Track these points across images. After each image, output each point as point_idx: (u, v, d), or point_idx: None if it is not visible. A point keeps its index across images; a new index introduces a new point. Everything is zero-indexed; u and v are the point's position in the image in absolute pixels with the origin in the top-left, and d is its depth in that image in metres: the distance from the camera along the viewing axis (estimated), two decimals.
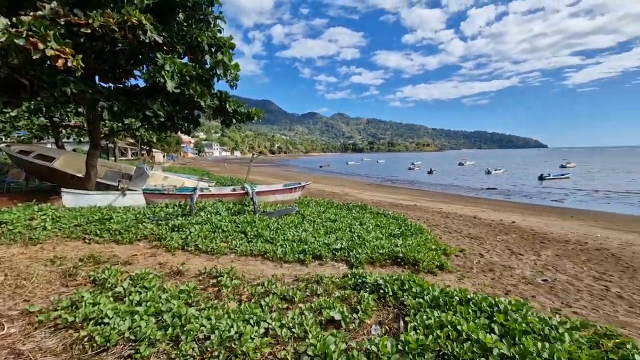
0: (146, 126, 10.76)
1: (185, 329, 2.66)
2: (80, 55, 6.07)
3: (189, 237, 5.52)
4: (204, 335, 2.61)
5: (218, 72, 8.78)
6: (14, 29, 5.38)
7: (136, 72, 9.74)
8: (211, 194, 8.86)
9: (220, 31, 9.50)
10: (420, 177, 43.43)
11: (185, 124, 10.85)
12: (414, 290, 3.53)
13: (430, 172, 50.35)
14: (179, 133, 12.99)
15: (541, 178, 37.04)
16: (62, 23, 6.02)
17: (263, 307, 3.22)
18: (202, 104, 8.71)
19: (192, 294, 3.42)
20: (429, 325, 2.76)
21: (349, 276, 4.03)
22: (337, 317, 2.98)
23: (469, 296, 3.37)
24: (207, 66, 9.41)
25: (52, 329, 2.73)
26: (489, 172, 47.61)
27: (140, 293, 3.34)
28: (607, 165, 63.49)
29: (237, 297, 3.53)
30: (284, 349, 2.51)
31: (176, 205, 7.78)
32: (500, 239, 7.84)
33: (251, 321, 2.86)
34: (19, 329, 2.72)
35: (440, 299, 3.31)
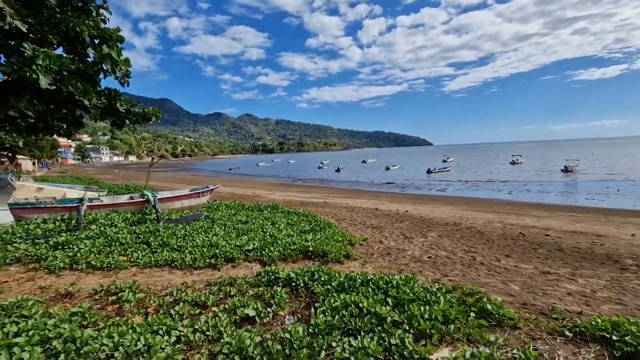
0: (7, 128, 8.91)
1: (82, 351, 2.43)
2: None
3: (78, 254, 4.87)
4: (106, 354, 2.43)
5: (105, 68, 7.79)
6: None
7: None
8: (103, 205, 7.85)
9: (105, 21, 8.44)
10: (329, 175, 45.69)
11: (64, 126, 9.31)
12: (322, 279, 3.85)
13: (337, 170, 53.36)
14: (55, 136, 11.08)
15: (428, 172, 42.83)
16: None
17: (173, 316, 3.12)
18: (86, 102, 7.61)
19: (87, 315, 3.10)
20: (336, 307, 3.08)
21: (262, 274, 4.16)
22: (252, 313, 3.08)
23: (369, 277, 3.84)
24: (90, 60, 8.27)
25: None
26: (387, 168, 52.89)
27: (17, 323, 2.88)
28: (474, 159, 76.83)
29: (143, 311, 3.33)
30: (197, 353, 2.51)
31: (58, 220, 6.69)
32: (396, 227, 8.91)
33: (160, 332, 2.76)
34: None
35: (346, 283, 3.70)
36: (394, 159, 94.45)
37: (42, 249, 5.09)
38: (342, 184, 34.30)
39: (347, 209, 12.86)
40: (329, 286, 3.64)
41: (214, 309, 3.30)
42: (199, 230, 6.38)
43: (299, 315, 3.21)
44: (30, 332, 2.69)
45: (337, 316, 2.90)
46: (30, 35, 7.36)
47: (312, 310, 3.27)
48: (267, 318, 3.07)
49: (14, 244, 5.23)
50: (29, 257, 4.88)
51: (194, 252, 5.17)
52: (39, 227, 6.25)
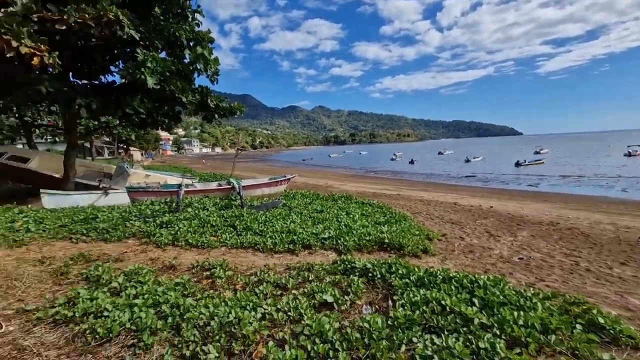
0: (124, 124, 10.55)
1: (185, 317, 2.77)
2: (57, 53, 5.92)
3: (179, 233, 5.56)
4: (204, 322, 2.72)
5: (198, 67, 8.71)
6: None
7: (112, 69, 9.51)
8: (196, 190, 8.83)
9: (198, 25, 9.38)
10: (402, 167, 44.25)
11: (166, 121, 10.70)
12: (400, 272, 3.75)
13: (411, 162, 51.35)
14: (159, 130, 12.77)
15: (517, 164, 38.47)
16: (35, 19, 5.84)
17: (258, 295, 3.35)
18: (184, 99, 8.63)
19: (187, 286, 3.51)
20: (415, 302, 2.98)
21: (339, 262, 4.22)
22: (330, 299, 3.15)
23: (451, 275, 3.62)
24: (186, 61, 9.30)
25: (52, 324, 2.78)
26: (467, 160, 49.00)
27: (136, 287, 3.40)
28: (575, 150, 66.47)
29: (232, 287, 3.65)
30: (281, 331, 2.66)
31: (162, 203, 7.74)
32: (479, 223, 8.23)
33: (248, 307, 3.00)
34: (17, 327, 2.75)
35: (425, 279, 3.54)
36: (476, 150, 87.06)
37: (151, 227, 5.93)
38: (416, 176, 32.92)
39: (423, 202, 12.30)
40: (407, 280, 3.53)
41: (294, 291, 3.46)
42: (278, 217, 6.74)
43: (376, 306, 3.18)
44: (145, 296, 3.16)
45: (417, 311, 2.80)
46: (141, 42, 8.56)
47: (390, 302, 3.21)
48: (345, 306, 3.11)
49: (131, 222, 6.20)
50: (142, 233, 5.74)
51: (274, 237, 5.49)
52: (148, 208, 7.31)
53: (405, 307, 2.91)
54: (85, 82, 9.16)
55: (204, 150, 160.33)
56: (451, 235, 6.80)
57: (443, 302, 2.92)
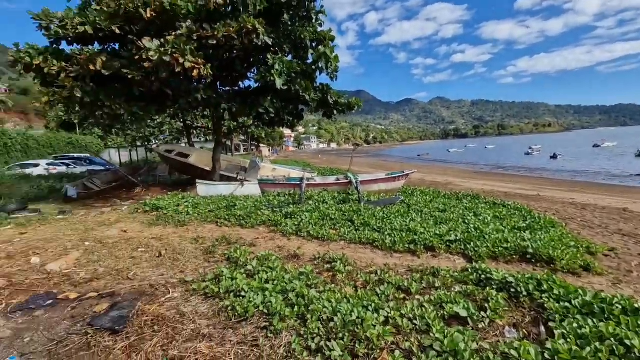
0: (257, 123, 11.87)
1: (310, 308, 2.83)
2: (209, 65, 7.01)
3: (301, 224, 5.89)
4: (327, 316, 2.72)
5: (320, 66, 9.08)
6: (162, 48, 6.53)
7: (248, 75, 10.79)
8: (316, 184, 9.31)
9: (320, 25, 9.78)
10: (540, 163, 37.42)
11: (291, 119, 11.61)
12: (555, 292, 3.03)
13: (553, 157, 42.89)
14: (284, 128, 14.00)
15: None
16: (195, 38, 7.05)
17: (379, 295, 3.20)
18: (307, 97, 9.15)
19: (310, 277, 3.62)
20: (584, 336, 2.33)
21: (470, 270, 3.71)
22: (463, 313, 2.76)
23: (636, 305, 2.72)
24: (309, 61, 9.83)
25: (203, 297, 3.24)
26: None
27: (266, 272, 3.69)
28: None
29: (352, 283, 3.60)
30: (407, 340, 2.44)
31: (287, 194, 8.42)
32: None
33: (370, 308, 2.88)
34: (179, 294, 3.31)
35: (595, 306, 2.76)
36: None
37: (278, 217, 6.47)
38: (561, 173, 27.28)
39: (574, 205, 10.00)
40: (567, 304, 2.81)
41: (418, 297, 3.18)
42: (396, 214, 6.47)
43: (523, 330, 2.63)
44: (275, 282, 3.39)
45: (588, 348, 2.17)
46: (272, 47, 9.45)
47: (542, 329, 2.61)
48: (482, 324, 2.67)
49: (261, 210, 6.92)
50: (270, 222, 6.32)
51: (392, 235, 5.26)
52: (276, 199, 8.05)
53: (569, 340, 2.30)
54: (228, 88, 10.69)
55: (321, 146, 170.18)
56: (624, 250, 5.26)
57: (628, 342, 2.20)
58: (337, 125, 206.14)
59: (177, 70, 6.62)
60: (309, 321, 2.66)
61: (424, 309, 2.85)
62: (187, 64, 6.62)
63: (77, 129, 37.60)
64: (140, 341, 2.51)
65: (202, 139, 34.44)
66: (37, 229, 6.37)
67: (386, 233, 5.37)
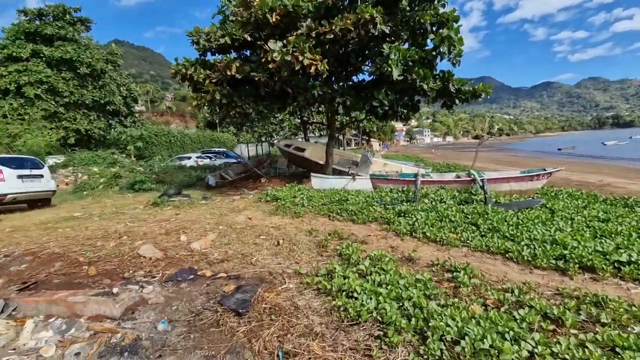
0: (369, 117, 11.69)
1: (429, 324, 2.49)
2: (325, 60, 7.14)
3: (416, 224, 5.45)
4: (452, 337, 2.34)
5: (442, 50, 8.26)
6: (284, 49, 6.96)
7: (363, 68, 10.65)
8: (432, 181, 8.58)
9: (443, 6, 8.87)
10: None
11: (405, 111, 11.01)
12: None
13: None
14: (397, 121, 13.44)
15: None
16: (313, 35, 7.27)
17: (519, 322, 2.61)
18: (425, 87, 8.46)
19: (428, 285, 3.24)
20: None
21: None
22: None
23: None
24: (428, 47, 9.07)
25: (315, 292, 3.24)
26: None
27: (379, 274, 3.47)
28: None
29: (481, 300, 3.06)
30: None
31: (399, 191, 8.01)
32: None
33: (507, 336, 2.35)
34: (294, 286, 3.39)
35: None
36: None
37: (390, 214, 6.16)
38: None
39: None
40: None
41: (574, 332, 2.47)
42: (536, 221, 5.36)
43: None
44: (389, 287, 3.14)
45: None
46: (389, 36, 9.07)
47: None
48: None
49: (373, 207, 6.72)
50: (382, 219, 6.07)
51: (531, 246, 4.34)
52: (388, 195, 7.74)
53: None
54: (342, 83, 10.80)
55: (435, 139, 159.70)
56: None
57: None
58: (455, 117, 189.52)
59: (296, 69, 6.97)
60: (429, 340, 2.32)
61: (587, 351, 2.18)
62: (306, 61, 6.88)
63: (218, 127, 44.61)
64: (259, 328, 2.63)
65: (317, 134, 36.34)
66: (186, 211, 7.67)
67: (522, 243, 4.47)
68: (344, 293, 3.08)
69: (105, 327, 2.70)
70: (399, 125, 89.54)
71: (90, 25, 29.81)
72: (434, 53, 8.39)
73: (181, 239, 5.08)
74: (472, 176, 7.67)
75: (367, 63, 10.52)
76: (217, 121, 43.93)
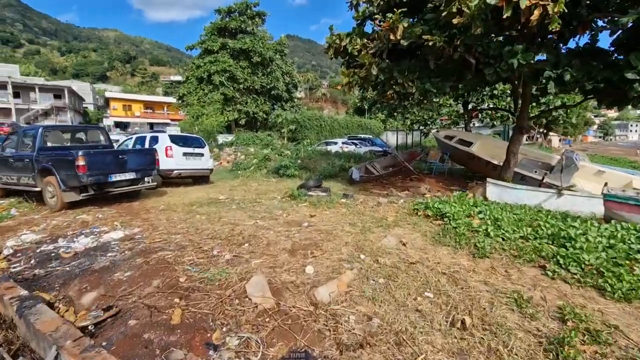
0: (599, 99, 7.68)
1: None
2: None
3: None
4: None
5: None
6: None
7: (599, 23, 6.78)
8: None
9: None
10: None
11: None
12: None
13: None
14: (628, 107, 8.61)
15: None
16: None
17: None
18: None
19: None
20: None
21: None
22: None
23: None
24: None
25: None
26: None
27: None
28: None
29: None
30: None
31: None
32: None
33: None
34: None
35: None
36: None
37: None
38: None
39: None
40: None
41: None
42: None
43: None
44: None
45: None
46: None
47: None
48: None
49: (638, 259, 3.58)
50: None
51: None
52: None
53: None
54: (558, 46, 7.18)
55: None
56: None
57: None
58: None
59: (506, 15, 4.34)
60: None
61: None
62: (525, 2, 4.16)
63: (366, 113, 43.91)
64: None
65: (478, 124, 30.71)
66: (322, 212, 6.27)
67: None
68: None
69: None
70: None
71: (265, 17, 32.99)
72: None
73: (306, 271, 3.51)
74: None
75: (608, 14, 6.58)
76: (366, 107, 43.27)
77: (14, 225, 5.82)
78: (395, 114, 14.74)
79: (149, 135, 9.81)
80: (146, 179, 7.58)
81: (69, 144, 7.57)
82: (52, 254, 4.37)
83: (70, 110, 46.07)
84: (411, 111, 17.70)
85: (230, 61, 29.13)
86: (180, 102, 31.53)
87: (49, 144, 7.09)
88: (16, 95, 41.67)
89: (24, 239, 5.05)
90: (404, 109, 16.23)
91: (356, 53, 7.37)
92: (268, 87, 31.45)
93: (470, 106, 15.19)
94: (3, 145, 7.67)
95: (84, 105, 56.69)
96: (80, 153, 6.13)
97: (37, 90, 43.46)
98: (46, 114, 43.56)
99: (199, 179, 10.36)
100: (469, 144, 11.56)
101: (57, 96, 45.21)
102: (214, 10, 31.52)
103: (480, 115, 15.61)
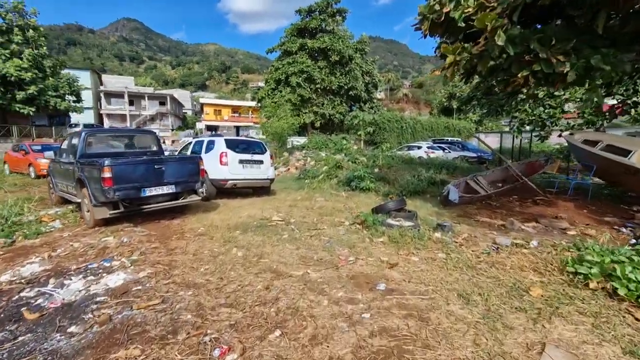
0: None
1: None
2: None
3: None
4: None
5: None
6: None
7: None
8: None
9: None
10: None
11: None
12: None
13: None
14: None
15: None
16: None
17: None
18: None
19: None
20: None
21: None
22: None
23: None
24: None
25: None
26: None
27: None
28: None
29: None
30: None
31: None
32: None
33: None
34: None
35: None
36: None
37: None
38: None
39: None
40: None
41: None
42: None
43: None
44: None
45: None
46: None
47: None
48: None
49: None
50: None
51: None
52: None
53: None
54: None
55: None
56: None
57: None
58: None
59: None
60: None
61: None
62: None
63: (454, 114, 39.09)
64: None
65: (607, 123, 24.12)
66: (408, 258, 4.10)
67: None
68: None
69: None
70: None
71: (346, 14, 31.34)
72: None
73: None
74: None
75: None
76: (454, 106, 38.49)
77: (37, 246, 4.99)
78: (501, 110, 11.23)
79: (206, 139, 8.81)
80: (194, 191, 6.40)
81: (112, 150, 6.78)
82: (22, 307, 3.14)
83: (171, 115, 51.37)
84: (521, 108, 13.88)
85: (308, 61, 28.22)
86: (258, 105, 31.88)
87: (91, 151, 6.34)
88: (130, 103, 47.97)
89: (23, 272, 4.03)
90: (515, 105, 12.62)
91: (463, 24, 4.98)
92: (346, 87, 29.73)
93: (615, 99, 10.89)
94: (60, 150, 7.28)
95: (183, 111, 63.09)
96: (106, 163, 5.07)
97: (146, 98, 49.44)
98: (152, 119, 49.31)
99: (259, 189, 9.02)
100: (626, 152, 7.88)
101: (162, 103, 50.89)
102: (294, 11, 31.06)
103: (635, 111, 11.01)
